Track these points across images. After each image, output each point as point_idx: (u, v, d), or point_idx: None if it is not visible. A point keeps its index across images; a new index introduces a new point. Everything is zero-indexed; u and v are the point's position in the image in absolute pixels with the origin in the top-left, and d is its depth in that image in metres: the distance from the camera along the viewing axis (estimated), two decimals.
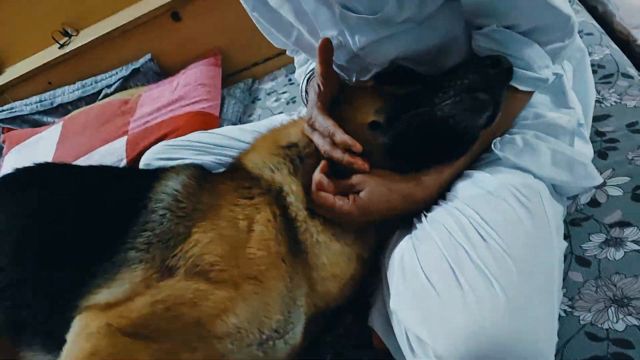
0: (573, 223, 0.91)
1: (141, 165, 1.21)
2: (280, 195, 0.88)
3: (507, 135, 0.88)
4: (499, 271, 0.69)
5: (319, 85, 0.92)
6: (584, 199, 0.93)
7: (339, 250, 0.86)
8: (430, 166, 0.86)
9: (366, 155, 0.85)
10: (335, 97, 0.95)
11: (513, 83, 0.83)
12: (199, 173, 0.94)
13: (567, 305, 0.80)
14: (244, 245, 0.80)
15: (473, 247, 0.72)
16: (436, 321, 0.68)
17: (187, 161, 1.12)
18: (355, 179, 0.85)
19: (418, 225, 0.83)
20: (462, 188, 0.84)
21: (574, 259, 0.86)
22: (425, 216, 0.83)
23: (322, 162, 0.89)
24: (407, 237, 0.83)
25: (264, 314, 0.77)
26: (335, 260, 0.85)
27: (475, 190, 0.81)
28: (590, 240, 0.87)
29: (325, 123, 0.88)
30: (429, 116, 0.81)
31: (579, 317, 0.78)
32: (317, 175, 0.86)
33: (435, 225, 0.79)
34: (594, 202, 0.92)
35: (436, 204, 0.84)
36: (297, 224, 0.86)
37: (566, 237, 0.88)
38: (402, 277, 0.78)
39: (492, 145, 0.86)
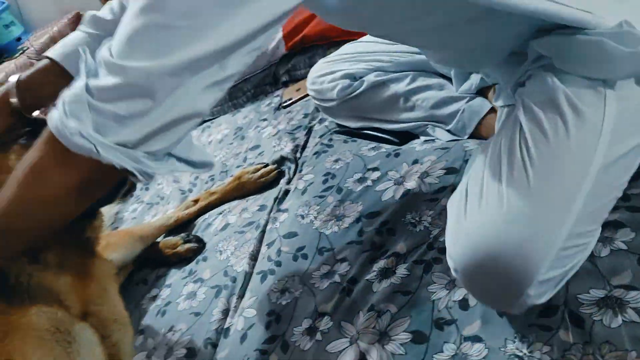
0: None
1: (308, 83, 1.37)
2: None
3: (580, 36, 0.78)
4: (514, 183, 0.74)
5: None
6: None
7: None
8: None
9: None
10: None
11: None
12: None
13: None
14: None
15: (508, 161, 0.77)
16: (454, 227, 0.80)
17: (344, 71, 1.28)
18: None
19: None
20: (531, 93, 0.82)
21: None
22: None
23: None
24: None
25: None
26: None
27: (539, 96, 0.80)
28: None
29: None
30: None
31: None
32: None
33: (498, 135, 0.85)
34: None
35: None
36: None
37: None
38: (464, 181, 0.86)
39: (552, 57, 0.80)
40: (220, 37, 0.60)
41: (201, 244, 1.31)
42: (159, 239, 1.37)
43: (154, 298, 1.24)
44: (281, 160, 1.45)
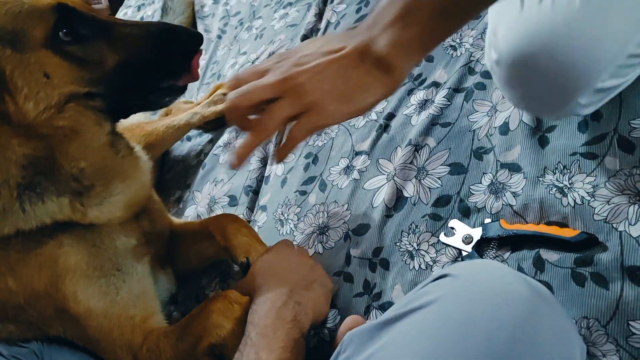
0: None
1: None
2: None
3: None
4: None
5: None
6: None
7: None
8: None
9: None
10: None
11: None
12: None
13: None
14: None
15: None
16: (509, 11, 0.65)
17: None
18: None
19: None
20: None
21: None
22: None
23: None
24: None
25: None
26: None
27: None
28: None
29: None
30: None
31: None
32: None
33: None
34: None
35: None
36: None
37: None
38: None
39: None
40: None
41: None
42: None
43: (199, 154, 1.25)
44: None
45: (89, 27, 0.69)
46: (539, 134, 0.76)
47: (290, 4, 1.36)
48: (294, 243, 0.91)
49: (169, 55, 0.74)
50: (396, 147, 0.90)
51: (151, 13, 1.82)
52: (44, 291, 0.73)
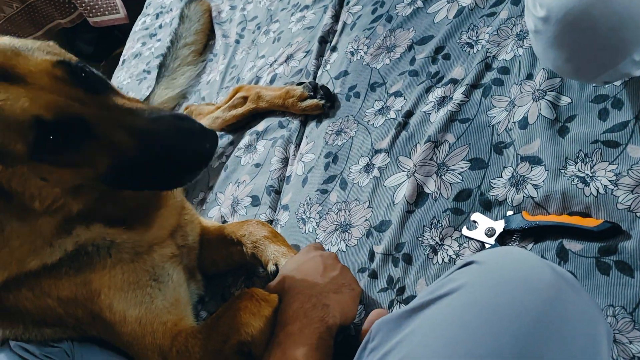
0: None
1: None
2: None
3: None
4: None
5: None
6: None
7: None
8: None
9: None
10: None
11: None
12: None
13: None
14: None
15: None
16: None
17: None
18: None
19: None
20: None
21: None
22: None
23: None
24: None
25: None
26: None
27: None
28: None
29: None
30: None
31: None
32: None
33: None
34: None
35: None
36: None
37: None
38: None
39: None
40: None
41: (330, 101, 1.11)
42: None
43: (220, 156, 1.27)
44: None
45: (73, 134, 0.63)
46: (559, 125, 0.76)
47: (306, 6, 1.37)
48: (317, 241, 0.92)
49: (170, 164, 0.67)
50: (415, 144, 0.91)
51: (169, 20, 1.86)
52: (82, 303, 0.75)
